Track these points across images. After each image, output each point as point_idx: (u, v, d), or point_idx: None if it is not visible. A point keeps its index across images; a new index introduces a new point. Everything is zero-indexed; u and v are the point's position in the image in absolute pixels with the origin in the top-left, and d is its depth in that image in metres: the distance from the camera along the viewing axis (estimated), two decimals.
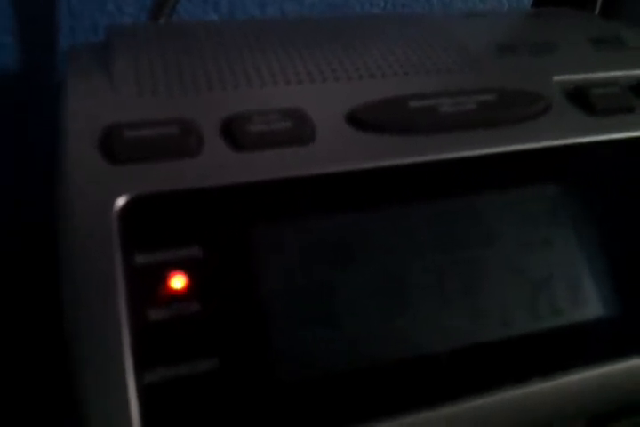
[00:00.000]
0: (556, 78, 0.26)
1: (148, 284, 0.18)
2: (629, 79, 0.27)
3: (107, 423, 0.17)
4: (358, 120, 0.22)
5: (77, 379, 0.17)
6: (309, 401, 0.18)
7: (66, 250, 0.18)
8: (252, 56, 0.24)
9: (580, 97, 0.25)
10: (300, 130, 0.21)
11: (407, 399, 0.19)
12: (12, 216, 0.39)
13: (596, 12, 0.39)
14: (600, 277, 0.22)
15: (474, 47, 0.27)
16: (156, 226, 0.18)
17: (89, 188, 0.19)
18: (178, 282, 0.18)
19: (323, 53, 0.25)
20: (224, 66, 0.23)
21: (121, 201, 0.18)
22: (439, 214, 0.21)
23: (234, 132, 0.20)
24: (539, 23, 0.32)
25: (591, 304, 0.22)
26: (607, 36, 0.30)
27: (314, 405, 0.18)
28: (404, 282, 0.20)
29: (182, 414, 0.17)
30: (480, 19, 0.31)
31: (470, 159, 0.22)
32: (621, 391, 0.21)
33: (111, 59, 0.23)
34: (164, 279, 0.18)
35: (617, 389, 0.21)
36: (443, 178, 0.22)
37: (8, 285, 0.37)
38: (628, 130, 0.24)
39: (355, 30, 0.28)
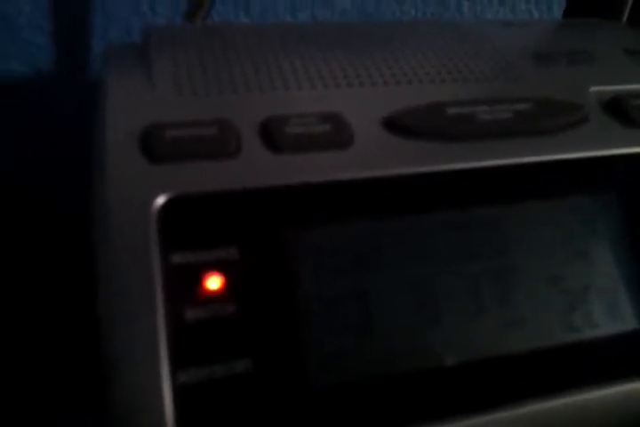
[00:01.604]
0: (593, 89, 0.26)
1: (184, 284, 0.18)
2: None
3: (140, 423, 0.17)
4: (396, 125, 0.22)
5: (111, 378, 0.17)
6: (341, 407, 0.18)
7: (103, 248, 0.18)
8: (288, 59, 0.24)
9: (618, 108, 0.25)
10: (338, 134, 0.21)
11: (438, 408, 0.19)
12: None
13: (624, 21, 0.38)
14: (636, 289, 0.22)
15: (511, 56, 0.27)
16: (194, 226, 0.18)
17: (128, 186, 0.19)
18: (214, 283, 0.18)
19: (359, 58, 0.25)
20: (262, 68, 0.23)
21: (160, 200, 0.18)
22: (475, 222, 0.21)
23: (272, 134, 0.20)
24: (574, 33, 0.31)
25: (627, 318, 0.21)
26: None
27: (345, 411, 0.18)
28: (438, 290, 0.20)
29: (215, 416, 0.17)
30: (517, 27, 0.31)
31: (507, 168, 0.22)
32: None
33: (150, 58, 0.23)
34: (200, 280, 0.18)
35: None
36: (479, 186, 0.21)
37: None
38: None
39: (391, 36, 0.27)
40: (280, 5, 0.40)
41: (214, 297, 0.18)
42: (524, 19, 0.45)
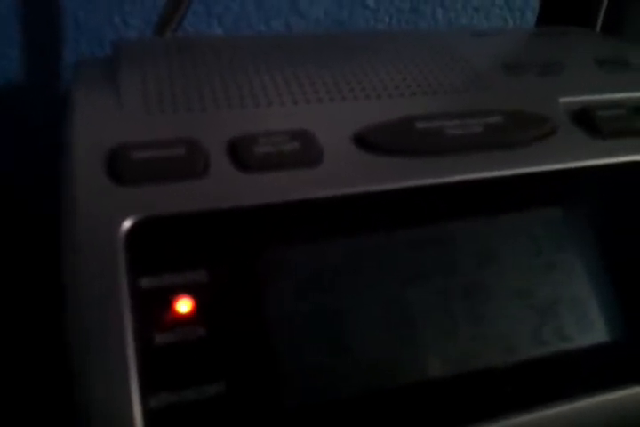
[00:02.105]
0: (563, 100, 0.26)
1: (153, 308, 0.18)
2: (636, 101, 0.27)
3: None
4: (365, 142, 0.22)
5: (83, 404, 0.17)
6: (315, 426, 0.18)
7: (71, 272, 0.18)
8: (258, 75, 0.24)
9: (586, 119, 0.25)
10: (307, 152, 0.21)
11: (411, 425, 0.19)
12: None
13: (598, 28, 0.39)
14: (605, 302, 0.22)
15: (480, 67, 0.27)
16: (162, 249, 0.18)
17: (95, 209, 0.19)
18: (184, 306, 0.18)
19: (330, 72, 0.25)
20: (231, 84, 0.23)
21: (127, 223, 0.18)
22: (446, 238, 0.21)
23: (240, 153, 0.20)
24: (545, 43, 0.32)
25: (596, 330, 0.21)
26: (613, 57, 0.30)
27: None
28: (408, 307, 0.20)
29: None
30: (487, 38, 0.31)
31: (476, 182, 0.22)
32: (625, 419, 0.21)
33: (117, 75, 0.23)
34: (169, 303, 0.18)
35: (620, 416, 0.21)
36: (448, 201, 0.22)
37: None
38: (634, 153, 0.24)
39: (361, 48, 0.28)
40: (253, 15, 0.39)
41: (184, 320, 0.18)
42: (496, 27, 0.46)
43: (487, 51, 0.29)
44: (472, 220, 0.22)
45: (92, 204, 0.19)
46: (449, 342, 0.20)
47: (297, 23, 0.40)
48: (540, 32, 0.34)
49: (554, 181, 0.23)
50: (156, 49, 0.26)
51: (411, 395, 0.19)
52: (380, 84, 0.25)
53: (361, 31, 0.41)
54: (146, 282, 0.18)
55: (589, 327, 0.21)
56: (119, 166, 0.19)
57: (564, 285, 0.22)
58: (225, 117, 0.22)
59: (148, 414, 0.17)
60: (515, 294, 0.21)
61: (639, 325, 0.22)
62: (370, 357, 0.19)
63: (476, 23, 0.45)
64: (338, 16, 0.41)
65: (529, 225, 0.22)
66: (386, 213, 0.21)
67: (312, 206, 0.20)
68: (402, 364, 0.19)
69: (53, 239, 0.19)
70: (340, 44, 0.28)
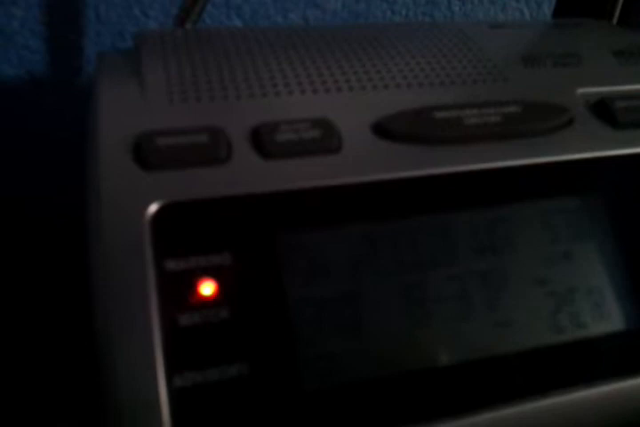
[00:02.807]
0: (580, 91, 0.26)
1: (178, 290, 0.18)
2: None
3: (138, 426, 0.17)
4: (384, 130, 0.22)
5: (108, 383, 0.17)
6: (334, 409, 0.18)
7: (97, 256, 0.18)
8: (278, 64, 0.25)
9: (604, 110, 0.25)
10: (327, 140, 0.21)
11: (429, 409, 0.19)
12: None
13: (614, 20, 0.39)
14: (622, 291, 0.22)
15: (499, 58, 0.27)
16: (187, 233, 0.19)
17: (121, 194, 0.19)
18: (207, 288, 0.18)
19: (349, 62, 0.25)
20: (251, 73, 0.24)
21: (153, 208, 0.19)
22: (463, 225, 0.21)
23: (262, 141, 0.21)
24: (563, 35, 0.32)
25: (613, 318, 0.22)
26: (630, 49, 0.30)
27: (339, 413, 0.18)
28: (426, 292, 0.20)
29: (211, 419, 0.18)
30: (504, 29, 0.31)
31: (494, 171, 0.22)
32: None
33: (141, 65, 0.24)
34: (193, 285, 0.18)
35: (635, 404, 0.21)
36: (466, 189, 0.22)
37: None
38: None
39: (378, 39, 0.28)
40: (271, 7, 0.40)
41: (208, 302, 0.18)
42: (513, 20, 0.46)
43: (505, 42, 0.30)
44: (490, 208, 0.22)
45: (119, 189, 0.19)
46: (465, 327, 0.20)
47: (314, 15, 0.41)
48: (557, 24, 0.34)
49: (572, 170, 0.23)
50: (177, 40, 0.27)
51: (428, 379, 0.19)
52: (398, 74, 0.25)
53: (378, 23, 0.41)
54: (171, 264, 0.18)
55: (606, 316, 0.22)
56: (145, 152, 0.20)
57: (580, 273, 0.22)
58: (247, 106, 0.22)
59: (172, 392, 0.17)
60: (532, 281, 0.21)
61: None
62: (388, 341, 0.19)
63: (492, 15, 0.45)
64: (355, 8, 0.41)
65: (546, 214, 0.22)
66: (404, 201, 0.21)
67: (332, 193, 0.20)
68: (419, 349, 0.20)
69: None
70: (358, 36, 0.29)
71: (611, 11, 0.39)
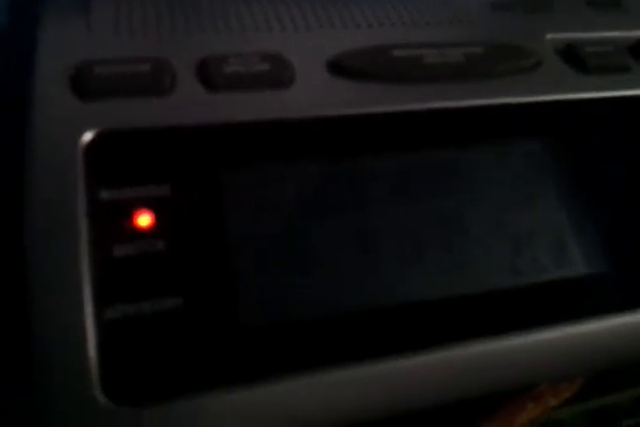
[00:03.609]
0: (550, 36, 0.25)
1: (112, 220, 0.17)
2: (626, 40, 0.26)
3: (65, 359, 0.16)
4: (339, 67, 0.21)
5: (36, 315, 0.16)
6: (270, 346, 0.18)
7: (31, 184, 0.18)
8: (233, 1, 0.24)
9: (572, 54, 0.24)
10: (277, 73, 0.20)
11: (374, 350, 0.18)
12: None
13: None
14: (585, 234, 0.21)
15: (467, 3, 0.27)
16: (123, 163, 0.18)
17: (57, 122, 0.18)
18: (144, 220, 0.18)
19: (308, 1, 0.24)
20: (205, 10, 0.23)
21: (87, 136, 0.18)
22: (419, 165, 0.21)
23: (208, 73, 0.20)
24: None
25: (574, 262, 0.21)
26: None
27: (274, 349, 0.18)
28: (379, 233, 0.20)
29: (142, 353, 0.17)
30: None
31: (452, 110, 0.22)
32: (600, 350, 0.21)
33: (90, 2, 0.23)
34: (129, 216, 0.18)
35: (594, 348, 0.20)
36: (423, 128, 0.21)
37: None
38: (619, 88, 0.24)
39: None
40: None
41: (144, 234, 0.18)
42: None
43: None
44: (449, 149, 0.21)
45: (54, 117, 0.18)
46: (417, 268, 0.20)
47: None
48: None
49: (535, 113, 0.23)
50: None
51: (374, 320, 0.19)
52: (359, 15, 0.24)
53: None
54: (105, 194, 0.18)
55: (566, 259, 0.21)
56: (82, 81, 0.19)
57: (541, 216, 0.21)
58: (196, 40, 0.21)
59: (102, 324, 0.17)
60: (491, 224, 0.21)
61: (616, 258, 0.21)
62: (330, 281, 0.19)
63: None
64: None
65: (508, 156, 0.22)
66: (356, 138, 0.20)
67: (279, 127, 0.20)
68: (364, 289, 0.19)
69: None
70: None
71: None
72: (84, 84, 0.19)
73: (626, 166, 0.23)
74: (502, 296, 0.20)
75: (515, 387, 0.23)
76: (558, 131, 0.23)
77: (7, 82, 0.27)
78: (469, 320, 0.20)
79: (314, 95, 0.20)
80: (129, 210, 0.18)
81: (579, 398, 0.27)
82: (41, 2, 0.28)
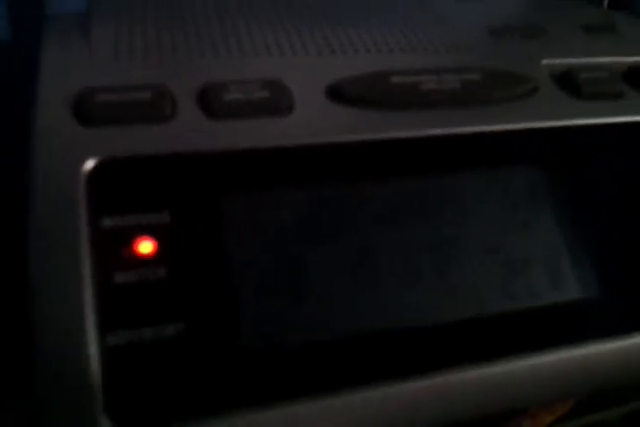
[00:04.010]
0: (545, 62, 0.26)
1: (114, 247, 0.18)
2: (620, 66, 0.26)
3: (67, 385, 0.16)
4: (338, 93, 0.22)
5: (40, 341, 0.17)
6: (272, 369, 0.18)
7: (34, 210, 0.18)
8: (234, 26, 0.24)
9: (568, 81, 0.25)
10: (277, 100, 0.21)
11: (370, 374, 0.19)
12: None
13: (605, 3, 0.38)
14: (578, 260, 0.22)
15: (464, 29, 0.27)
16: (125, 190, 0.18)
17: (59, 149, 0.18)
18: (145, 246, 0.18)
19: (307, 27, 0.25)
20: (205, 35, 0.23)
21: (90, 163, 0.18)
22: (415, 191, 0.21)
23: (209, 100, 0.20)
24: (532, 9, 0.31)
25: (569, 287, 0.21)
26: (600, 24, 0.30)
27: (276, 373, 0.18)
28: (375, 258, 0.20)
29: (145, 378, 0.17)
30: (472, 4, 0.30)
31: (450, 137, 0.22)
32: (592, 375, 0.21)
33: (90, 24, 0.23)
34: (130, 243, 0.18)
35: (588, 372, 0.21)
36: (420, 155, 0.21)
37: None
38: (614, 115, 0.24)
39: (342, 5, 0.27)
40: None
41: (145, 261, 0.18)
42: None
43: (472, 15, 0.29)
44: (444, 175, 0.21)
45: (56, 144, 0.19)
46: (412, 293, 0.20)
47: None
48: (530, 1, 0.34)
49: (531, 139, 0.23)
50: (131, 1, 0.26)
51: (370, 345, 0.19)
52: (358, 40, 0.25)
53: None
54: (107, 221, 0.18)
55: (561, 285, 0.21)
56: (84, 108, 0.19)
57: (537, 242, 0.22)
58: (196, 65, 0.22)
59: (105, 351, 0.17)
60: (486, 249, 0.21)
61: (610, 284, 0.22)
62: (329, 305, 0.19)
63: None
64: None
65: (504, 182, 0.22)
66: (355, 165, 0.21)
67: (278, 155, 0.20)
68: (362, 314, 0.19)
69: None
70: (319, 1, 0.28)
71: None
72: (87, 112, 0.19)
73: (620, 192, 0.23)
74: (497, 321, 0.20)
75: (508, 410, 0.23)
76: (554, 157, 0.23)
77: (10, 94, 0.27)
78: (463, 345, 0.20)
79: (313, 122, 0.21)
80: (131, 237, 0.18)
81: (570, 415, 0.27)
82: (42, 15, 0.28)
